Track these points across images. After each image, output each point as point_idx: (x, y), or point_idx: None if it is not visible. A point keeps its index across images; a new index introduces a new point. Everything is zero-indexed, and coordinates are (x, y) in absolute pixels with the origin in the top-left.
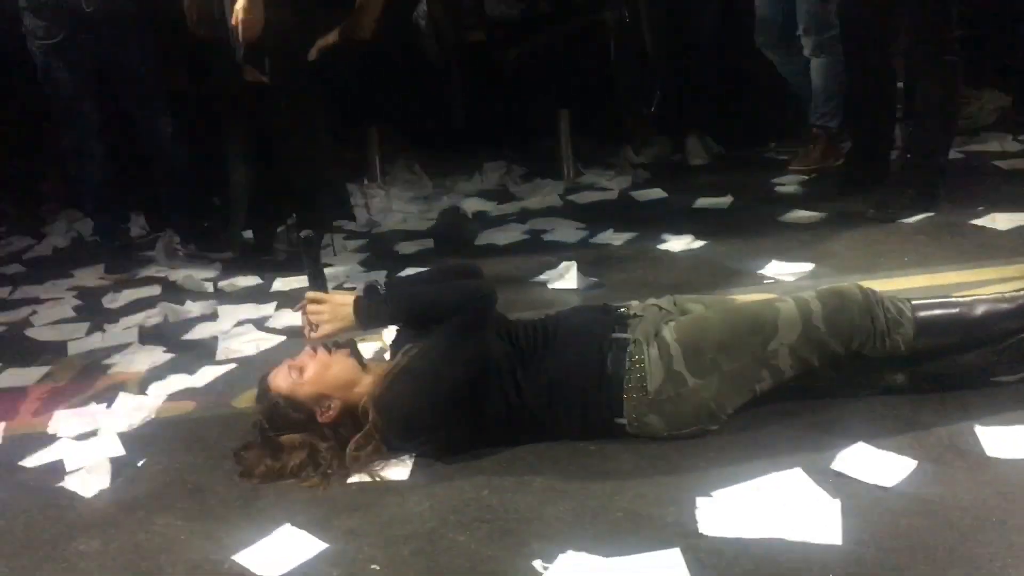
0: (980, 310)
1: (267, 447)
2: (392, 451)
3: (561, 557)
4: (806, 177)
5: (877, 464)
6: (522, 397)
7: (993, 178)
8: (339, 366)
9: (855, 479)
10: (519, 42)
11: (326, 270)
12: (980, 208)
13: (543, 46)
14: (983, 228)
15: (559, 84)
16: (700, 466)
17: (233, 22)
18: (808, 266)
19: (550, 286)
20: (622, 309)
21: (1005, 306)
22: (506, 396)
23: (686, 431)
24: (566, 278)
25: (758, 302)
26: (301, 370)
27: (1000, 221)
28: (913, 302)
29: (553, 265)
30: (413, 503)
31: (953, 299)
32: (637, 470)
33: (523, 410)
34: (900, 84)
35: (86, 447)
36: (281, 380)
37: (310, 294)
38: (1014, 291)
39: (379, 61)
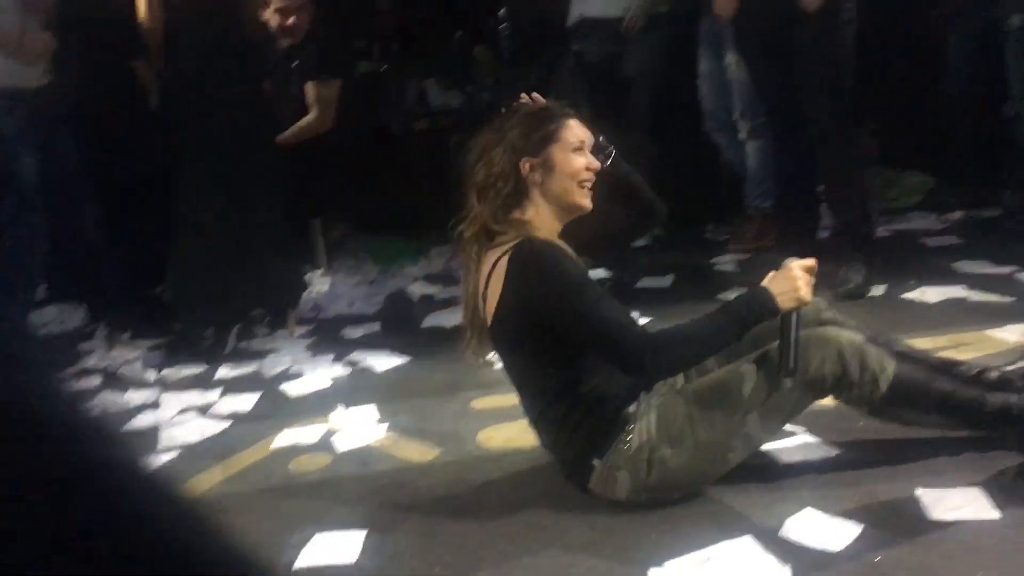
0: (964, 394)
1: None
2: None
3: None
4: (743, 256)
5: (824, 529)
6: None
7: (921, 254)
8: (574, 199)
9: (803, 545)
10: (462, 130)
11: (272, 355)
12: (911, 282)
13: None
14: (914, 301)
15: None
16: (652, 537)
17: None
18: None
19: (495, 367)
20: None
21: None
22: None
23: (644, 497)
24: None
25: (724, 369)
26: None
27: (930, 294)
28: (896, 366)
29: None
30: None
31: (936, 376)
32: (590, 543)
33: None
34: None
35: None
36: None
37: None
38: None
39: (330, 151)
